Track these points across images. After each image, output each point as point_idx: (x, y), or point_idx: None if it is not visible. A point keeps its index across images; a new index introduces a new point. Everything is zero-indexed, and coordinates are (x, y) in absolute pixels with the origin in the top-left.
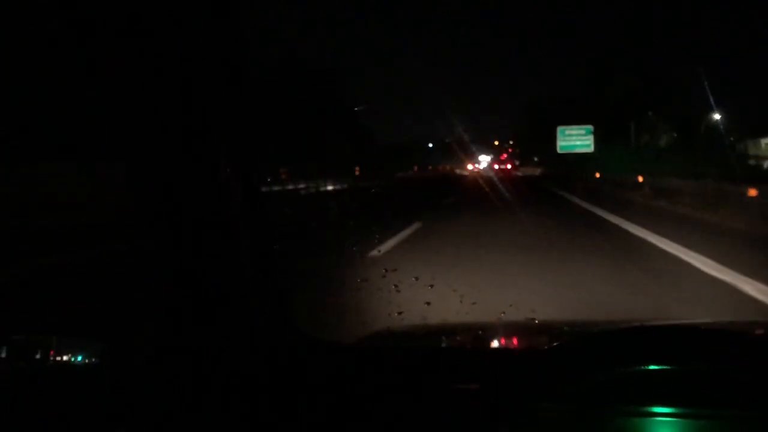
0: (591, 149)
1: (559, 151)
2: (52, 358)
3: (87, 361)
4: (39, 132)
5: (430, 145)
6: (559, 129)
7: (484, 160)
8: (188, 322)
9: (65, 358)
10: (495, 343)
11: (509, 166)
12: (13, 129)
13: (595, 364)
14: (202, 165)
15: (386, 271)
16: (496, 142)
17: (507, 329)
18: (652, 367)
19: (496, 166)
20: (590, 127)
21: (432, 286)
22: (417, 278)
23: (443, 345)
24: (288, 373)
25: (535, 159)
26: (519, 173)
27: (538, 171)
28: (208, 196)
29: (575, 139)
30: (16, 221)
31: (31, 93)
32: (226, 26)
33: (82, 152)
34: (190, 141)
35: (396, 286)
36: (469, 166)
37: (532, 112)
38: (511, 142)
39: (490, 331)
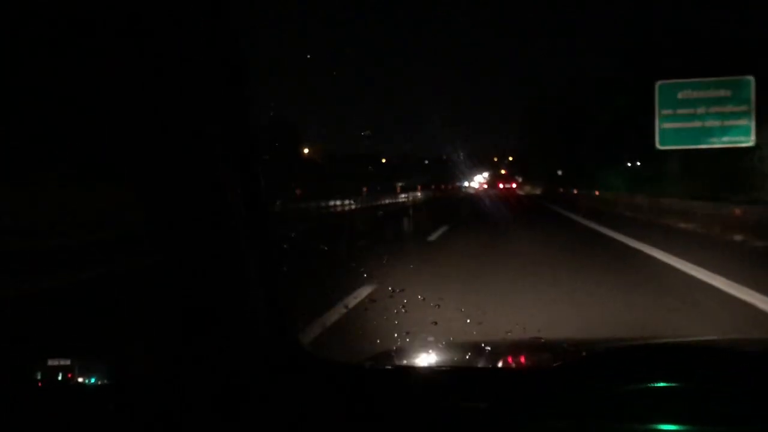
0: (749, 139)
1: (659, 146)
2: (72, 381)
3: (100, 382)
4: (38, 134)
5: (426, 161)
6: (661, 85)
7: (482, 176)
8: (190, 333)
9: (80, 380)
10: (502, 362)
11: (514, 185)
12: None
13: (601, 382)
14: (205, 176)
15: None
16: (495, 158)
17: (513, 347)
18: (656, 384)
19: (501, 185)
20: (749, 80)
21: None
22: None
23: (450, 364)
24: (287, 389)
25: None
26: (520, 192)
27: (538, 190)
28: (212, 209)
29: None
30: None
31: (30, 93)
32: (224, 27)
33: (79, 157)
34: (193, 148)
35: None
36: (474, 183)
37: (534, 117)
38: (510, 158)
39: (497, 349)
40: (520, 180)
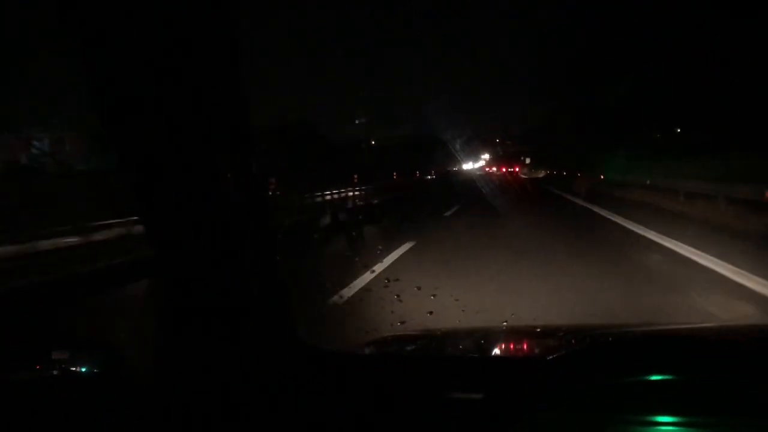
0: None
1: None
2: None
3: (92, 371)
4: None
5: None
6: None
7: (482, 159)
8: (189, 329)
9: (73, 369)
10: (497, 351)
11: (517, 169)
12: None
13: (598, 373)
14: (204, 171)
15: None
16: (498, 140)
17: (509, 336)
18: (652, 376)
19: (504, 169)
20: None
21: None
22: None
23: (445, 353)
24: (286, 380)
25: (527, 161)
26: (523, 176)
27: (541, 173)
28: (210, 203)
29: None
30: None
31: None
32: (222, 25)
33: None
34: (192, 145)
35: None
36: (474, 166)
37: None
38: (508, 143)
39: (492, 338)
40: (527, 161)
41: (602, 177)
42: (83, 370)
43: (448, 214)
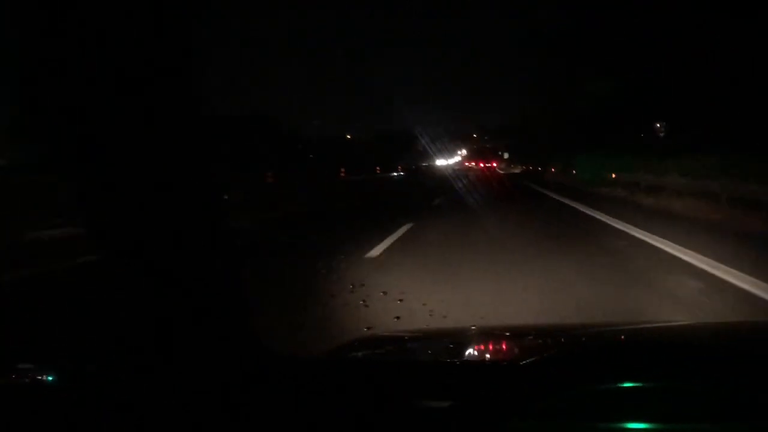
0: None
1: None
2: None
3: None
4: None
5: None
6: None
7: (458, 155)
8: (147, 337)
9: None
10: (468, 355)
11: (494, 164)
12: None
13: (571, 380)
14: (156, 172)
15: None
16: (475, 135)
17: (481, 339)
18: (627, 383)
19: (481, 164)
20: None
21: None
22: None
23: (412, 357)
24: (248, 387)
25: (506, 155)
26: (501, 171)
27: (518, 169)
28: (163, 207)
29: None
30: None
31: None
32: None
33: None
34: (142, 146)
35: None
36: (450, 162)
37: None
38: (486, 138)
39: (463, 341)
40: (506, 156)
41: (574, 172)
42: (49, 379)
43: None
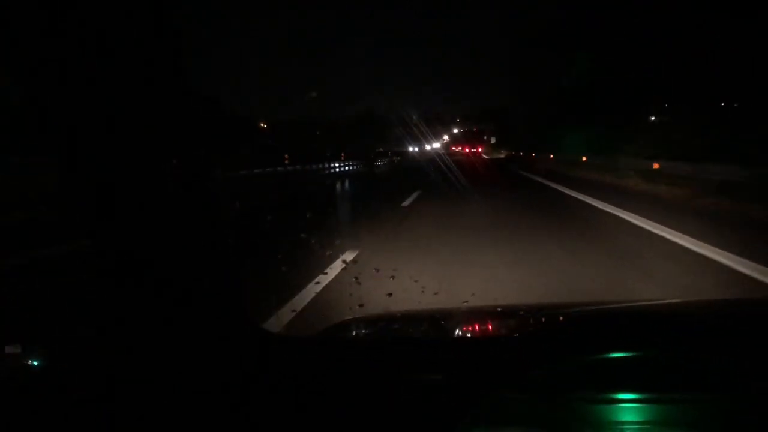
0: None
1: None
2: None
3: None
4: None
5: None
6: None
7: (443, 139)
8: (137, 319)
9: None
10: (458, 332)
11: (480, 149)
12: None
13: (560, 352)
14: (144, 154)
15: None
16: (458, 119)
17: (470, 316)
18: (615, 354)
19: (467, 149)
20: None
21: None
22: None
23: (404, 335)
24: (243, 367)
25: (492, 140)
26: (485, 156)
27: (502, 154)
28: (153, 189)
29: None
30: None
31: None
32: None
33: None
34: (127, 129)
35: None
36: (436, 146)
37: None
38: (470, 122)
39: (453, 318)
40: (493, 141)
41: (552, 156)
42: (35, 363)
43: None
